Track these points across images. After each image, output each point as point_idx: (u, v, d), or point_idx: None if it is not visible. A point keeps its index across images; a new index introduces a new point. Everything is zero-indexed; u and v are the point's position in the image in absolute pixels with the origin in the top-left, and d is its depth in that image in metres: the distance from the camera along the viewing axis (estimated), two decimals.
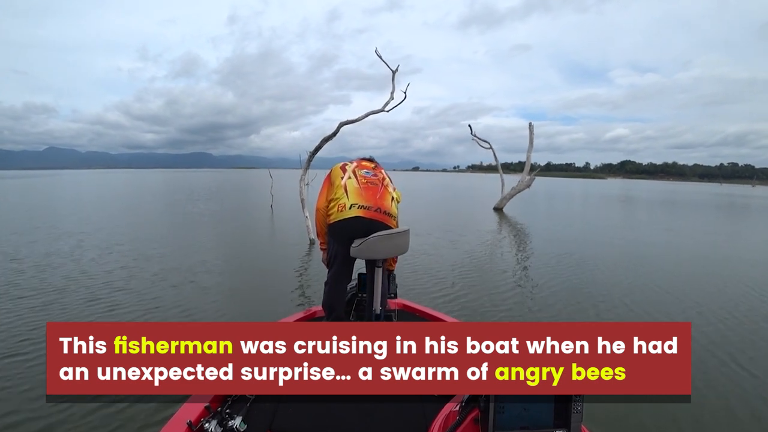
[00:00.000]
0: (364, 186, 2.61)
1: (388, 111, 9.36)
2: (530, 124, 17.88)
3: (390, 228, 2.51)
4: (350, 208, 2.51)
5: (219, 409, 1.79)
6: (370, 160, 2.91)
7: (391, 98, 9.92)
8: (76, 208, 16.55)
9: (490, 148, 19.20)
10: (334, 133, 8.92)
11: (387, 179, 2.76)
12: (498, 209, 17.93)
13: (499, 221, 14.34)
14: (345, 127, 9.22)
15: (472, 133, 19.12)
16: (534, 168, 17.97)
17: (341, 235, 2.56)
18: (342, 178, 2.66)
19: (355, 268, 2.72)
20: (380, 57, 9.73)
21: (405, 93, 9.87)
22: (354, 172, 2.67)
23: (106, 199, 21.98)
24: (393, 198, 2.66)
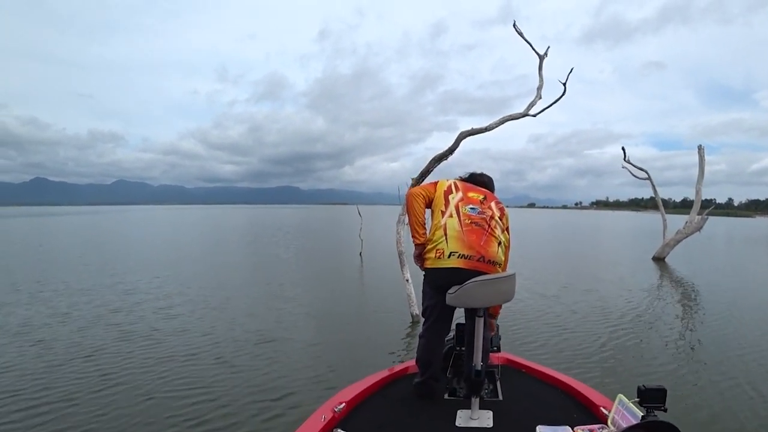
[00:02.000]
0: (468, 229, 2.55)
1: (534, 115, 7.59)
2: (700, 149, 16.01)
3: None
4: (449, 257, 2.50)
5: None
6: (482, 181, 2.87)
7: (538, 97, 8.01)
8: (146, 251, 16.73)
9: (648, 178, 17.33)
10: (452, 149, 6.53)
11: (496, 215, 2.66)
12: (658, 259, 16.00)
13: (661, 275, 12.38)
14: (452, 158, 7.37)
15: (625, 158, 17.40)
16: (707, 205, 16.19)
17: (438, 285, 2.55)
18: (444, 209, 2.62)
19: (454, 317, 2.72)
20: (521, 35, 8.26)
21: (564, 85, 8.24)
22: (457, 209, 2.62)
23: (180, 241, 22.40)
24: (500, 243, 2.60)
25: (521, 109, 7.97)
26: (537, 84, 7.72)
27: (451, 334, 2.89)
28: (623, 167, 17.76)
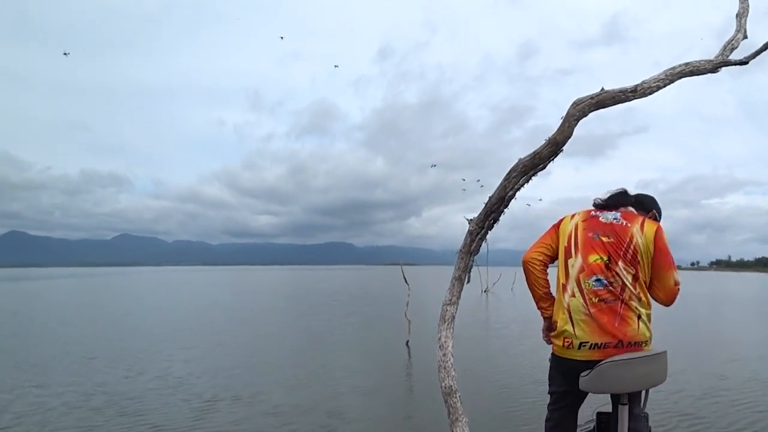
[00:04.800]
0: (596, 310, 2.53)
1: (745, 62, 5.08)
2: None
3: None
4: (580, 348, 2.53)
5: None
6: (623, 202, 2.89)
7: (740, 32, 5.27)
8: (154, 332, 15.09)
9: None
10: (558, 142, 4.17)
11: (628, 278, 2.56)
12: None
13: None
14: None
15: None
16: None
17: (567, 374, 2.65)
18: (565, 281, 2.71)
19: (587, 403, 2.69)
20: None
21: None
22: (579, 283, 2.62)
23: (196, 317, 19.57)
24: (640, 316, 2.51)
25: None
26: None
27: (591, 425, 2.86)
28: None
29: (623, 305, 2.51)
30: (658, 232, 2.65)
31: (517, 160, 4.35)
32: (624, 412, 2.43)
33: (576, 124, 4.21)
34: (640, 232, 2.65)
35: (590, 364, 2.46)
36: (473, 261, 4.83)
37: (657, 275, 2.63)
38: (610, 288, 2.54)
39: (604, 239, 2.67)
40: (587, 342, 2.50)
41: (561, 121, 4.30)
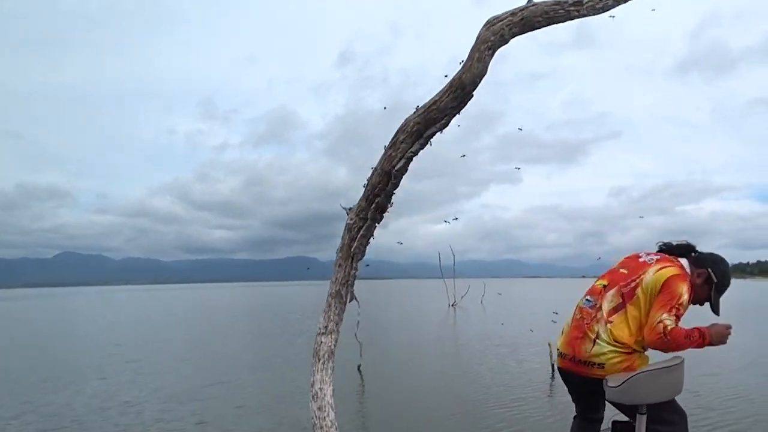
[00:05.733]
0: (574, 325, 2.90)
1: None
2: None
3: (593, 380, 2.72)
4: (558, 356, 2.97)
5: None
6: (666, 247, 3.12)
7: None
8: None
9: None
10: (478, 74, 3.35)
11: (606, 306, 2.81)
12: None
13: None
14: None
15: None
16: None
17: (563, 379, 3.06)
18: None
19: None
20: None
21: None
22: (582, 299, 2.99)
23: (136, 346, 17.28)
24: (595, 338, 2.73)
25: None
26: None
27: None
28: None
29: (588, 325, 2.76)
30: (673, 277, 2.70)
31: (404, 122, 3.34)
32: (643, 422, 2.53)
33: (492, 56, 3.00)
34: (655, 271, 2.77)
35: (561, 371, 2.91)
36: (356, 269, 3.53)
37: (649, 312, 2.71)
38: (591, 309, 2.81)
39: (621, 270, 2.90)
40: (560, 350, 2.89)
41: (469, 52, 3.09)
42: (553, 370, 9.55)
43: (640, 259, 2.95)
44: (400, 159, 3.12)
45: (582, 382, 2.81)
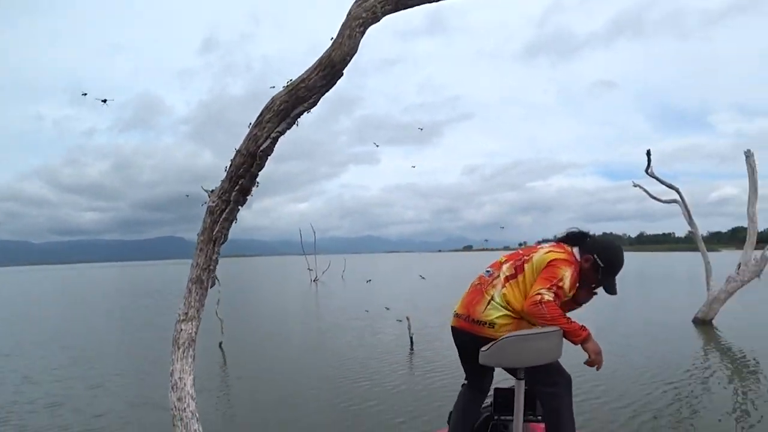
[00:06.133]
0: (471, 289, 3.10)
1: None
2: (748, 154, 13.51)
3: (484, 338, 2.77)
4: (453, 316, 3.13)
5: None
6: (562, 237, 3.24)
7: None
8: None
9: (678, 200, 14.52)
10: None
11: (502, 275, 3.02)
12: (704, 321, 13.19)
13: (719, 356, 9.76)
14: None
15: (648, 168, 14.56)
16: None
17: (455, 343, 3.14)
18: None
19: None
20: None
21: None
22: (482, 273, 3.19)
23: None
24: (490, 300, 2.94)
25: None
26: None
27: (489, 400, 3.15)
28: (636, 185, 15.63)
29: (485, 289, 2.99)
30: (557, 260, 2.91)
31: (268, 101, 3.09)
32: (521, 387, 2.56)
33: (363, 34, 2.90)
34: (543, 252, 3.01)
35: (454, 330, 3.07)
36: (218, 254, 3.32)
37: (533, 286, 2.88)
38: (487, 278, 3.06)
39: (519, 251, 3.20)
40: (456, 311, 3.07)
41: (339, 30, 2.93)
42: (411, 342, 10.03)
43: (538, 246, 3.19)
44: (266, 139, 2.98)
45: (472, 341, 2.88)
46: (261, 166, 3.03)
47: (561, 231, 3.28)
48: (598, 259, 3.04)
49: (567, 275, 2.88)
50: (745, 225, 13.45)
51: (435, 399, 6.57)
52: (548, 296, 2.77)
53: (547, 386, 2.91)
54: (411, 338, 10.15)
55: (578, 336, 2.71)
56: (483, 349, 2.54)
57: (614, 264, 3.06)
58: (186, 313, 3.24)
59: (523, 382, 2.57)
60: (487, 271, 3.11)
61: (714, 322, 13.06)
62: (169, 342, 3.39)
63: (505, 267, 3.05)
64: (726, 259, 20.96)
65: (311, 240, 34.65)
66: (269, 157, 3.02)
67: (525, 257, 3.05)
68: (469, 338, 2.94)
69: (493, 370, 3.03)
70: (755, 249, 13.32)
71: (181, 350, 3.18)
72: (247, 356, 10.26)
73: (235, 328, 12.68)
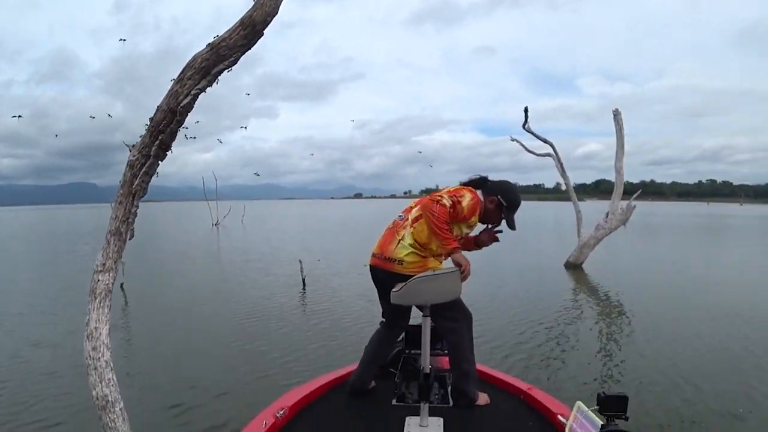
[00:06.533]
0: (386, 232, 3.28)
1: None
2: (615, 113, 14.44)
3: (396, 274, 2.99)
4: (371, 255, 3.27)
5: None
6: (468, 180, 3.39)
7: None
8: None
9: (553, 154, 15.59)
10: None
11: (411, 217, 3.23)
12: (574, 265, 14.18)
13: (587, 296, 10.56)
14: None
15: (525, 124, 15.36)
16: (634, 190, 15.24)
17: (374, 283, 3.29)
18: None
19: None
20: None
21: None
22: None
23: None
24: (400, 240, 3.14)
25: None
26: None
27: (401, 336, 3.36)
28: (513, 140, 16.70)
29: (397, 230, 3.18)
30: (465, 189, 3.18)
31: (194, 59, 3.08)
32: (427, 323, 2.67)
33: None
34: (450, 189, 3.22)
35: (370, 268, 3.23)
36: (137, 206, 3.32)
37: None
38: (399, 221, 3.25)
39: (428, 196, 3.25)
40: (373, 251, 3.23)
41: None
42: (304, 284, 10.46)
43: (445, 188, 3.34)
44: (186, 96, 2.98)
45: (386, 278, 3.08)
46: (181, 123, 3.07)
47: (463, 178, 3.43)
48: (501, 199, 3.25)
49: (468, 197, 3.10)
50: (607, 178, 15.65)
51: (323, 338, 6.88)
52: (446, 201, 3.00)
53: (449, 321, 3.13)
54: (303, 280, 10.50)
55: (449, 245, 2.93)
56: (394, 290, 2.65)
57: (515, 202, 3.31)
58: (104, 264, 3.24)
59: (429, 319, 2.70)
60: (400, 216, 3.30)
61: (584, 266, 13.99)
62: (78, 285, 3.43)
63: (414, 210, 3.23)
64: (591, 209, 22.57)
65: (214, 187, 36.04)
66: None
67: (422, 203, 3.20)
68: (383, 275, 3.11)
69: (409, 309, 3.19)
70: (621, 200, 14.19)
71: (97, 300, 3.20)
72: (148, 296, 10.33)
73: (137, 268, 12.68)
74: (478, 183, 3.34)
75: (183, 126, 3.05)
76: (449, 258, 3.07)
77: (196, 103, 2.97)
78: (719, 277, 13.14)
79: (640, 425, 4.35)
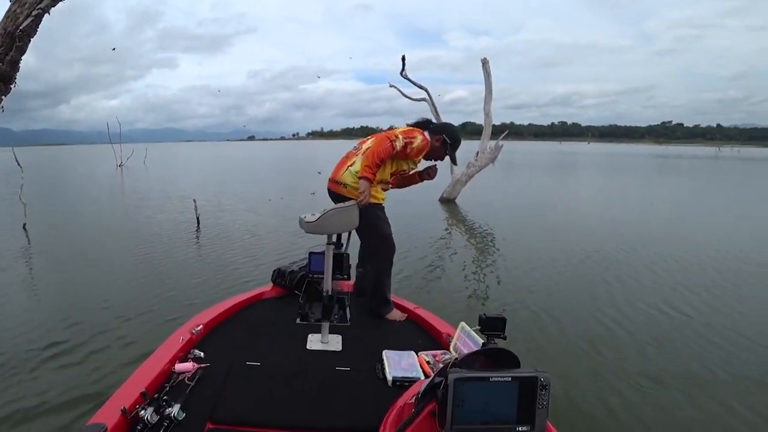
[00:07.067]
0: (341, 160, 3.55)
1: None
2: (484, 61, 15.08)
3: (342, 196, 3.35)
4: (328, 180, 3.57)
5: (156, 395, 2.11)
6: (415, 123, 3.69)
7: None
8: None
9: (428, 99, 16.39)
10: None
11: (363, 147, 3.48)
12: (448, 200, 15.03)
13: (461, 228, 11.45)
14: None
15: (402, 71, 16.02)
16: (499, 131, 16.26)
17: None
18: None
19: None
20: None
21: None
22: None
23: None
24: (349, 166, 3.43)
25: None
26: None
27: (304, 261, 3.63)
28: (392, 86, 17.40)
29: (348, 158, 3.48)
30: (415, 131, 3.51)
31: None
32: (330, 250, 2.87)
33: None
34: (401, 129, 3.55)
35: (328, 191, 3.51)
36: None
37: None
38: (354, 150, 3.54)
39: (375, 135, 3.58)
40: (329, 176, 3.52)
41: None
42: (198, 222, 10.62)
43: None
44: (27, 17, 2.57)
45: (336, 199, 3.36)
46: (22, 50, 2.67)
47: (411, 120, 3.71)
48: (447, 137, 3.61)
49: (419, 139, 3.43)
50: (473, 120, 16.36)
51: (216, 269, 7.11)
52: (398, 143, 3.34)
53: (370, 248, 3.54)
54: (198, 218, 10.70)
55: (366, 173, 3.27)
56: (308, 221, 2.78)
57: (458, 140, 3.67)
58: None
59: (332, 247, 2.88)
60: (355, 147, 3.58)
61: (457, 201, 14.90)
62: None
63: (368, 142, 3.49)
64: (461, 148, 23.80)
65: (118, 131, 36.95)
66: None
67: (374, 137, 3.51)
68: (334, 196, 3.41)
69: (344, 236, 3.32)
70: (490, 140, 15.04)
71: None
72: (51, 235, 10.15)
73: (40, 210, 12.60)
74: (425, 125, 3.66)
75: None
76: (389, 187, 3.59)
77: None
78: (576, 206, 14.87)
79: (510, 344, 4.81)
